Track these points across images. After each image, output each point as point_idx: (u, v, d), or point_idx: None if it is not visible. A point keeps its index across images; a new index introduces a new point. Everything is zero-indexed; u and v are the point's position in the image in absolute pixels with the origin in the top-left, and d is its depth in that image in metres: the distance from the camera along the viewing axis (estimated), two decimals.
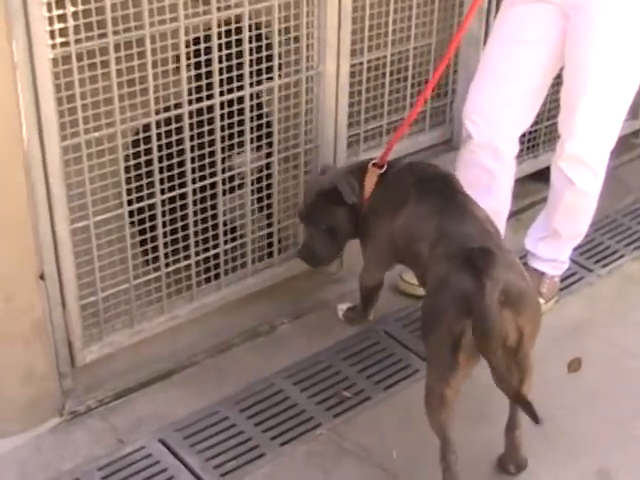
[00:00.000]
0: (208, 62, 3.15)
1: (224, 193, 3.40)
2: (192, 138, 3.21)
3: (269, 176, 3.54)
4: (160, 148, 3.16)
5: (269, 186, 3.56)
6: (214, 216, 3.41)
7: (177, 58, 3.09)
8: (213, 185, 3.35)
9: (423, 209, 3.14)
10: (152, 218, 3.24)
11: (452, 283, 2.78)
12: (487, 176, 3.63)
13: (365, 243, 3.44)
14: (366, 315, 3.66)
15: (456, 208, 3.11)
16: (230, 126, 3.30)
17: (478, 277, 2.68)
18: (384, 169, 3.35)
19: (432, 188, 3.20)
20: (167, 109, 3.16)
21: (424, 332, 2.93)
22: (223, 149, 3.30)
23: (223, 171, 3.34)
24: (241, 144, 3.35)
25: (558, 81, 3.58)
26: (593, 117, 3.42)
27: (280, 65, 3.35)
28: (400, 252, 3.26)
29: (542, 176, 4.15)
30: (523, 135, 3.77)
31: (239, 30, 3.17)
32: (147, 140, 3.16)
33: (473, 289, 2.69)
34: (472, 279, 2.70)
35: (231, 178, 3.41)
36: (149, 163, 3.17)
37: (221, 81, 3.20)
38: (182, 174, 3.24)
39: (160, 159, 3.17)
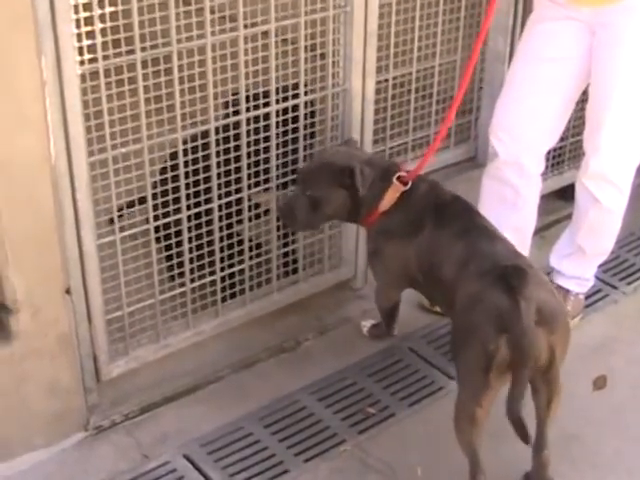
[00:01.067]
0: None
1: (250, 209, 3.42)
2: (218, 154, 3.23)
3: None
4: (187, 164, 3.18)
5: None
6: (239, 232, 3.42)
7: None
8: (239, 201, 3.37)
9: (445, 233, 3.12)
10: (178, 234, 3.26)
11: (486, 301, 2.78)
12: (513, 193, 3.62)
13: (375, 262, 3.42)
14: (390, 331, 3.65)
15: (481, 229, 3.10)
16: (256, 142, 3.31)
17: (513, 296, 2.68)
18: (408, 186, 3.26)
19: (451, 212, 3.18)
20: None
21: (456, 350, 2.92)
22: (249, 165, 3.32)
23: (249, 187, 3.36)
24: (267, 160, 3.37)
25: (583, 98, 3.58)
26: (618, 134, 3.41)
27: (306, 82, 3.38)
28: (415, 277, 3.24)
29: (567, 193, 4.14)
30: (548, 152, 3.76)
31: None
32: (174, 156, 3.19)
33: (508, 307, 2.68)
34: (507, 297, 2.70)
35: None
36: (176, 178, 3.19)
37: (247, 98, 3.23)
38: (208, 190, 3.26)
39: (186, 175, 3.19)
